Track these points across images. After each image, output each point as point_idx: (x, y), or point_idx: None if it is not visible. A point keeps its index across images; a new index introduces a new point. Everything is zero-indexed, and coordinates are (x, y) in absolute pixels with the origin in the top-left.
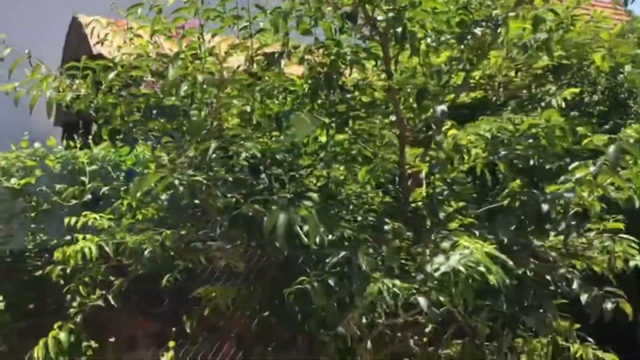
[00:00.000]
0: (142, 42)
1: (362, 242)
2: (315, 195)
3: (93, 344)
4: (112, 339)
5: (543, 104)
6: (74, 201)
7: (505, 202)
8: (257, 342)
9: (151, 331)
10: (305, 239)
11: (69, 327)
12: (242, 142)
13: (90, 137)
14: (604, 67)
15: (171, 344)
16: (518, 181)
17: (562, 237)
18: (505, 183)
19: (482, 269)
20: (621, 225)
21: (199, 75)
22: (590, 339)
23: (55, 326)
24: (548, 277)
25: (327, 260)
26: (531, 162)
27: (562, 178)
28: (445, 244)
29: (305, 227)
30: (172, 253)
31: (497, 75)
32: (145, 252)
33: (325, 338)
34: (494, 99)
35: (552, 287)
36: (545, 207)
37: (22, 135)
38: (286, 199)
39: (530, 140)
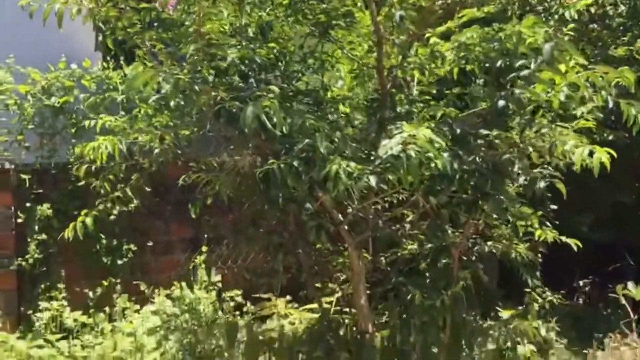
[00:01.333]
0: None
1: (321, 129)
2: (276, 89)
3: (132, 247)
4: (150, 243)
5: (556, 16)
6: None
7: (469, 101)
8: (251, 225)
9: (185, 237)
10: (274, 129)
11: (94, 214)
12: (226, 48)
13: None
14: None
15: (204, 248)
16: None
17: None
18: (473, 85)
19: (430, 154)
20: (590, 124)
21: None
22: (548, 224)
23: (83, 213)
24: (507, 167)
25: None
26: (499, 64)
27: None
28: (396, 132)
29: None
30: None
31: None
32: (155, 150)
33: (310, 223)
34: (510, 13)
35: (509, 176)
36: (502, 102)
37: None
38: (257, 94)
39: (496, 44)
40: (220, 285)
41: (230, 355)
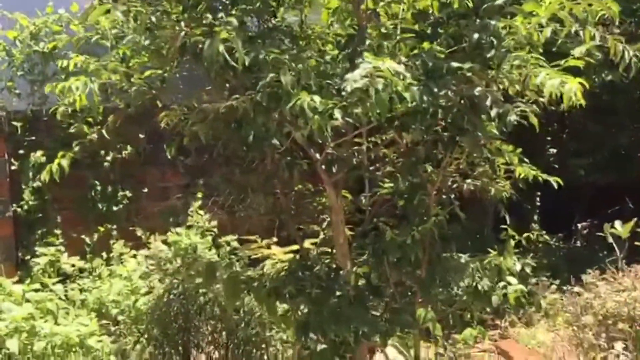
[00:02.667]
0: None
1: (285, 63)
2: (235, 21)
3: (128, 193)
4: (145, 190)
5: None
6: None
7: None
8: (225, 166)
9: (181, 183)
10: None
11: (70, 156)
12: None
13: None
14: None
15: (199, 194)
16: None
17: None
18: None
19: (399, 87)
20: (579, 63)
21: None
22: (527, 160)
23: (59, 155)
24: (483, 101)
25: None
26: None
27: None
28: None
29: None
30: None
31: None
32: (131, 90)
33: (282, 161)
34: None
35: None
36: (476, 35)
37: None
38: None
39: None
40: (216, 230)
41: (210, 292)
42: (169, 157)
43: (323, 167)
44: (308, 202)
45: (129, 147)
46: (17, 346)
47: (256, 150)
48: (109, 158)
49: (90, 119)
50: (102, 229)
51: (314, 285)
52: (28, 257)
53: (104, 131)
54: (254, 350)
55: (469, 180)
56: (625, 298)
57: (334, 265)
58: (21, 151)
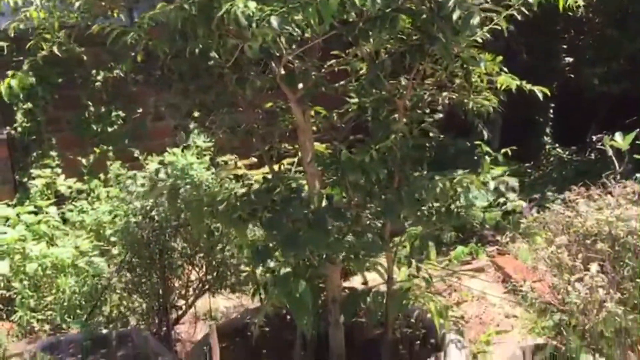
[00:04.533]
0: None
1: None
2: None
3: (121, 114)
4: (139, 110)
5: None
6: None
7: None
8: (180, 81)
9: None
10: None
11: (20, 77)
12: None
13: None
14: None
15: (196, 114)
16: None
17: None
18: None
19: None
20: None
21: None
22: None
23: (10, 74)
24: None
25: None
26: None
27: None
28: None
29: None
30: None
31: None
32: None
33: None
34: None
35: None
36: None
37: None
38: None
39: None
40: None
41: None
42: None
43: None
44: (281, 120)
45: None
46: (8, 268)
47: (201, 66)
48: (99, 77)
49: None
50: (98, 151)
51: (265, 209)
52: (25, 179)
53: (54, 48)
54: (229, 273)
55: (445, 94)
56: (607, 216)
57: (295, 186)
58: (9, 72)
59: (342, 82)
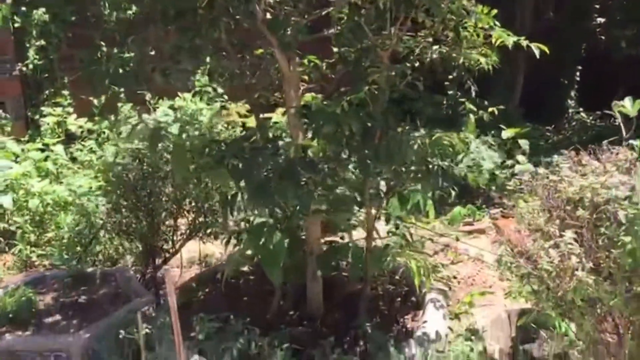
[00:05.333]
0: None
1: None
2: None
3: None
4: (152, 52)
5: None
6: None
7: None
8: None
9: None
10: None
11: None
12: None
13: None
14: None
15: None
16: None
17: None
18: None
19: None
20: None
21: None
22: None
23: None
24: None
25: None
26: None
27: None
28: None
29: None
30: None
31: None
32: None
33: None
34: None
35: None
36: None
37: None
38: None
39: None
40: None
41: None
42: None
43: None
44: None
45: (133, 7)
46: (11, 202)
47: (186, 6)
48: (106, 12)
49: None
50: (109, 92)
51: (234, 157)
52: (37, 117)
53: None
54: (213, 221)
55: (435, 47)
56: (591, 182)
57: (271, 136)
58: (23, 8)
59: (327, 32)
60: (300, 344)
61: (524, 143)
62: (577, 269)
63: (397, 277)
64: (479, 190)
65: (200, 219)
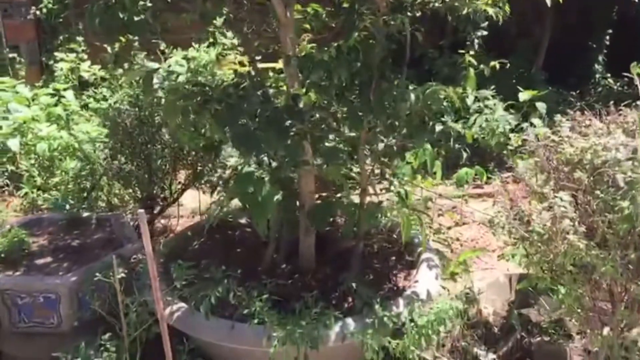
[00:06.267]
0: None
1: None
2: None
3: (148, 3)
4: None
5: None
6: None
7: None
8: None
9: None
10: None
11: None
12: None
13: None
14: None
15: None
16: None
17: None
18: None
19: None
20: None
21: None
22: None
23: None
24: None
25: None
26: None
27: None
28: None
29: None
30: None
31: None
32: None
33: None
34: None
35: None
36: None
37: None
38: None
39: None
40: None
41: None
42: None
43: None
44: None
45: None
46: (18, 145)
47: None
48: None
49: None
50: (123, 39)
51: (218, 102)
52: (51, 62)
53: None
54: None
55: None
56: (592, 144)
57: (257, 82)
58: None
59: None
60: (284, 296)
61: (541, 106)
62: (568, 232)
63: (394, 236)
64: (492, 153)
65: (199, 168)
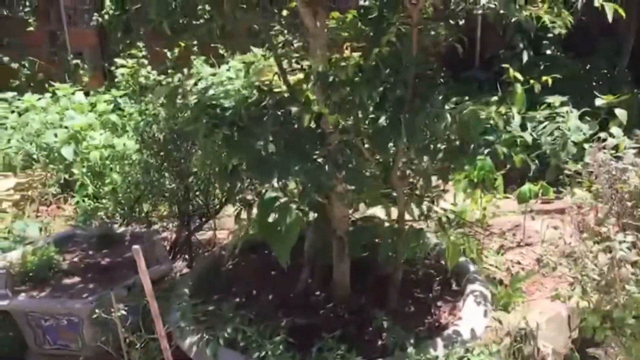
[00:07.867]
0: None
1: None
2: None
3: (207, 7)
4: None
5: None
6: None
7: None
8: None
9: None
10: None
11: None
12: None
13: None
14: None
15: None
16: None
17: None
18: None
19: None
20: None
21: None
22: None
23: None
24: None
25: None
26: None
27: None
28: None
29: None
30: None
31: None
32: None
33: None
34: None
35: None
36: None
37: None
38: None
39: None
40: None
41: None
42: None
43: None
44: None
45: None
46: (72, 153)
47: None
48: None
49: None
50: (183, 44)
51: (232, 125)
52: (113, 68)
53: None
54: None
55: (484, 1)
56: None
57: (277, 101)
58: None
59: None
60: (310, 328)
61: (621, 113)
62: (628, 282)
63: (442, 262)
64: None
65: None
